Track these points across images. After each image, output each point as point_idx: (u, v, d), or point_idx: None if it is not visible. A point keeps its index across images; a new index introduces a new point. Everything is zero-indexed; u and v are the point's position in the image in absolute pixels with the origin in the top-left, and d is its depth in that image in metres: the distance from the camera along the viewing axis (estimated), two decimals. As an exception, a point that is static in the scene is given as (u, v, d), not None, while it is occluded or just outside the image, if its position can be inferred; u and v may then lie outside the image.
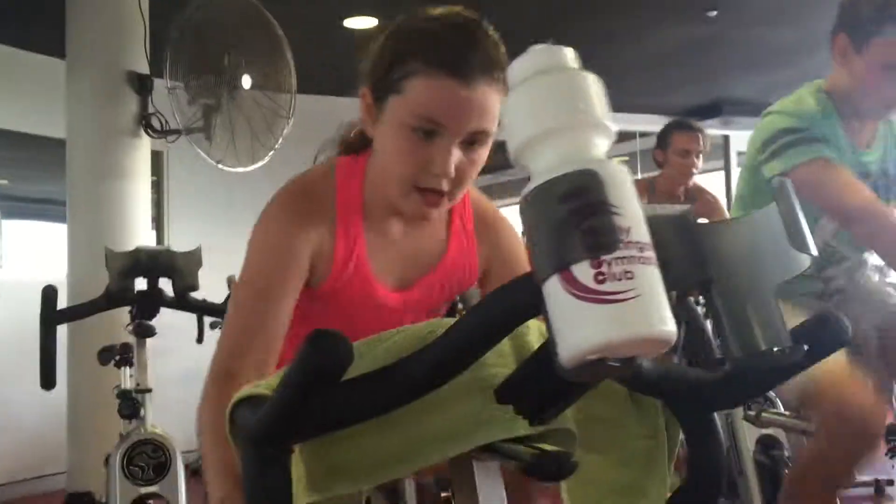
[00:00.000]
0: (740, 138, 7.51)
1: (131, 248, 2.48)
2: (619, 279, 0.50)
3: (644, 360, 0.76)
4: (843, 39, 1.87)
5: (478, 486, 0.79)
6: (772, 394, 2.27)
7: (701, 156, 3.62)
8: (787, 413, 1.99)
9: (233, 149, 4.00)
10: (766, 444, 2.53)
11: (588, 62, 0.57)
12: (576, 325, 0.50)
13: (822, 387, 1.65)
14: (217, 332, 4.72)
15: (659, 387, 0.80)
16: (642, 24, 5.15)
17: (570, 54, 0.58)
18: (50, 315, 2.10)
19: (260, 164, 4.02)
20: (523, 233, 0.56)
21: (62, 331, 2.36)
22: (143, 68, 4.28)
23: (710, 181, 6.60)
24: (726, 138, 7.59)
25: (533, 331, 0.82)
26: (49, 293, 2.10)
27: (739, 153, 7.69)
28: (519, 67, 0.58)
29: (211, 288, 2.73)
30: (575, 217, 0.51)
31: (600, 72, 0.57)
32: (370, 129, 1.20)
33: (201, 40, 3.92)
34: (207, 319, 4.68)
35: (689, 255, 0.58)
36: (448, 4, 1.17)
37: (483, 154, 1.16)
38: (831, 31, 1.92)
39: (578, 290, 0.50)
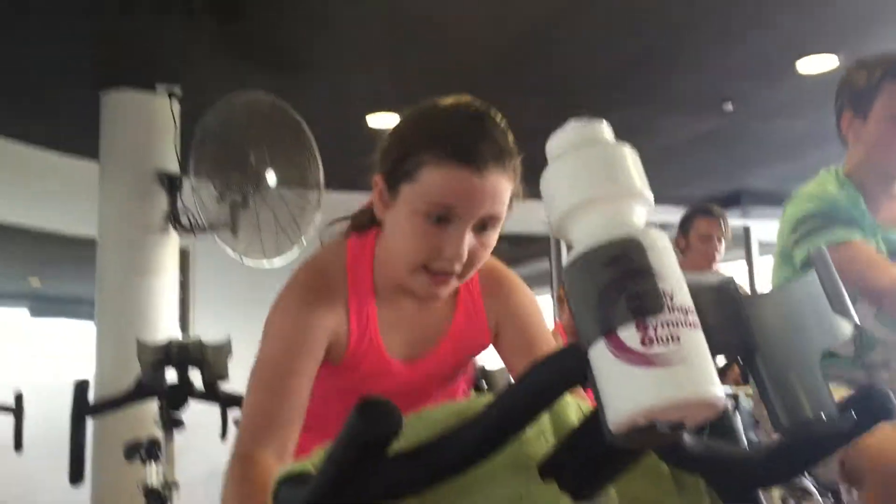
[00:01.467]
0: (760, 228, 7.53)
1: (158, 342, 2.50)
2: (666, 342, 0.51)
3: (687, 435, 0.76)
4: (848, 114, 1.93)
5: (520, 568, 0.77)
6: (807, 483, 2.20)
7: (723, 241, 3.62)
8: None
9: (258, 244, 4.07)
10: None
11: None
12: (624, 389, 0.51)
13: (871, 460, 1.61)
14: (240, 429, 4.70)
15: (702, 463, 0.79)
16: (658, 116, 5.26)
17: (606, 128, 0.60)
18: (81, 408, 2.11)
19: (287, 257, 4.08)
20: (566, 298, 0.57)
21: (88, 428, 2.36)
22: (174, 167, 4.40)
23: (732, 272, 6.58)
24: (746, 229, 7.61)
25: (572, 407, 0.81)
26: (81, 387, 2.11)
27: (761, 244, 7.69)
28: (557, 141, 0.60)
29: (236, 382, 2.73)
30: (619, 282, 0.52)
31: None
32: (381, 213, 1.23)
33: (226, 139, 4.05)
34: (231, 415, 4.67)
35: (732, 322, 0.59)
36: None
37: (493, 237, 1.20)
38: (836, 114, 1.98)
39: (625, 354, 0.51)
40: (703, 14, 3.98)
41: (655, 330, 0.51)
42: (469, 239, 1.16)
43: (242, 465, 1.07)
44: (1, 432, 3.62)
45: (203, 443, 3.95)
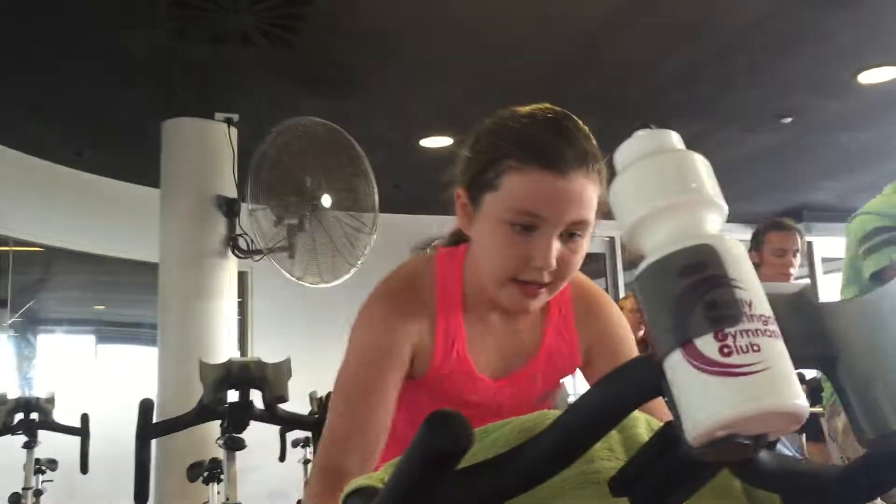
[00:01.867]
0: (823, 244, 7.35)
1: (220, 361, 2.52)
2: (746, 352, 0.49)
3: (763, 451, 0.74)
4: None
5: (592, 588, 0.75)
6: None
7: (798, 255, 3.51)
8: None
9: (314, 266, 4.11)
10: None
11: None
12: (703, 400, 0.49)
13: None
14: (299, 450, 4.73)
15: (778, 480, 0.76)
16: (714, 132, 5.18)
17: (675, 136, 0.59)
18: (146, 428, 2.14)
19: (343, 279, 4.11)
20: (637, 310, 0.56)
21: (152, 449, 2.39)
22: (232, 192, 4.48)
23: (795, 288, 6.40)
24: (809, 244, 7.44)
25: (641, 424, 0.80)
26: (146, 406, 2.15)
27: (824, 259, 7.50)
28: (626, 150, 0.59)
29: (293, 404, 2.75)
30: (695, 290, 0.51)
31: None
32: (467, 228, 1.21)
33: (282, 164, 4.11)
34: (289, 437, 4.71)
35: (811, 331, 0.57)
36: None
37: (583, 245, 1.16)
38: None
39: (704, 364, 0.49)
40: (759, 26, 3.92)
41: (734, 339, 0.49)
42: (557, 247, 1.12)
43: (324, 481, 1.08)
44: (68, 455, 3.70)
45: (263, 464, 3.99)
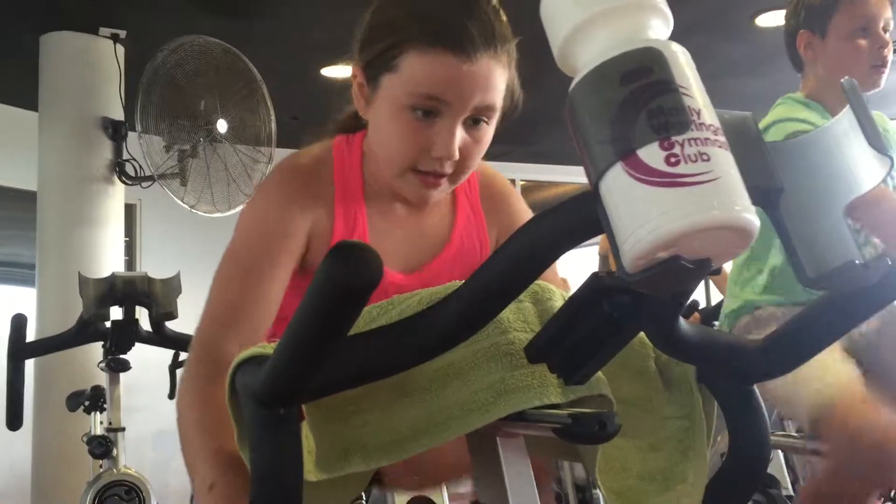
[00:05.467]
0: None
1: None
2: (695, 161, 0.44)
3: (682, 321, 0.70)
4: (805, 35, 1.91)
5: (503, 463, 0.71)
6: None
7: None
8: (794, 434, 1.91)
9: (209, 194, 3.93)
10: (764, 484, 2.45)
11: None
12: (647, 214, 0.44)
13: (838, 410, 1.56)
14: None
15: (697, 351, 0.73)
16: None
17: None
18: (19, 346, 1.97)
19: (238, 209, 3.96)
20: (570, 135, 0.50)
21: (28, 380, 2.22)
22: (118, 115, 4.22)
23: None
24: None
25: (557, 296, 0.76)
26: (18, 322, 1.98)
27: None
28: (561, -41, 0.52)
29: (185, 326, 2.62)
30: (639, 97, 0.46)
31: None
32: (363, 111, 1.13)
33: (175, 85, 3.88)
34: (179, 374, 4.55)
35: (756, 162, 0.52)
36: None
37: (489, 132, 1.09)
38: (790, 38, 1.95)
39: (648, 175, 0.44)
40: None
41: (682, 147, 0.44)
42: (461, 135, 1.05)
43: (202, 366, 0.97)
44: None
45: (150, 404, 3.85)
